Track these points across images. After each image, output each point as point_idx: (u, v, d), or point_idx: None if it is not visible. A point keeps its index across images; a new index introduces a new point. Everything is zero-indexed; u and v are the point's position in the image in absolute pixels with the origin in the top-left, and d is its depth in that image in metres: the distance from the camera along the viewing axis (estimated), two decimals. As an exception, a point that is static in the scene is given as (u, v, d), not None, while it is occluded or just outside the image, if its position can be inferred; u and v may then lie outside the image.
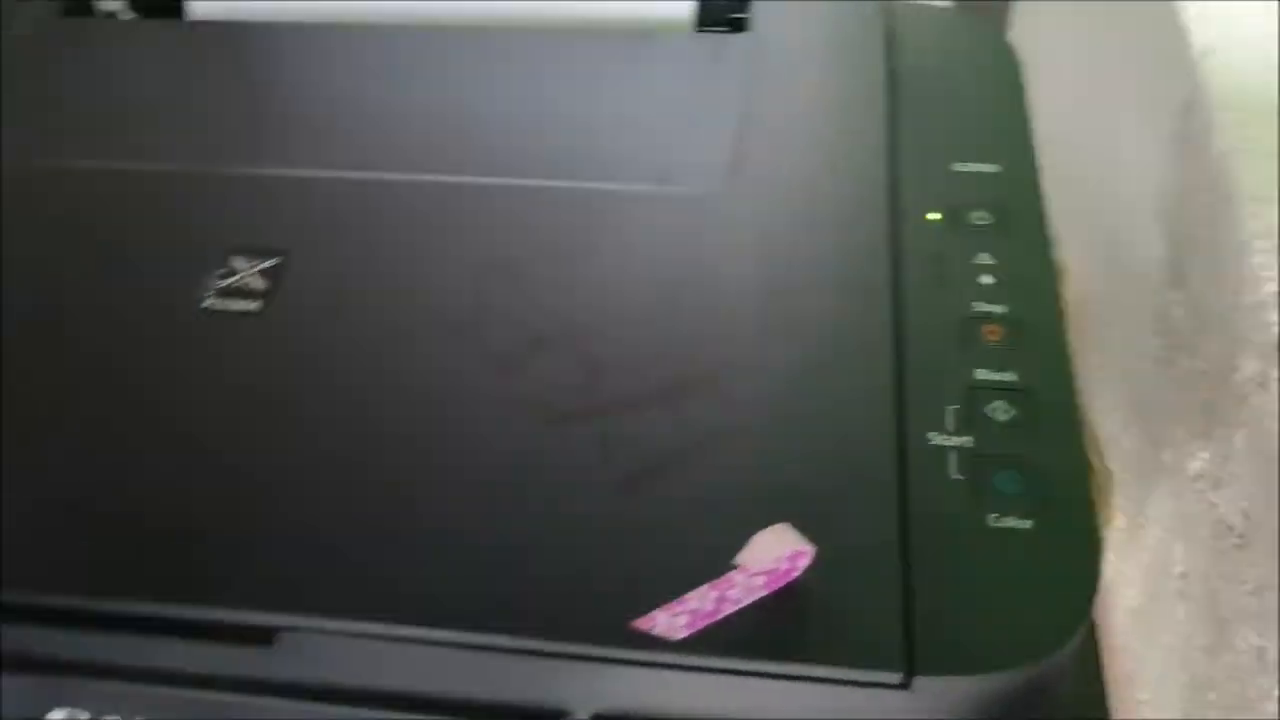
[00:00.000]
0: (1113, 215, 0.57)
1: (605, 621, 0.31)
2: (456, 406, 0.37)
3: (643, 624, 0.32)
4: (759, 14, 0.50)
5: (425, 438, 0.36)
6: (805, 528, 0.32)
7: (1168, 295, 0.48)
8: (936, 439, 0.35)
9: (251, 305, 0.40)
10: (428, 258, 0.41)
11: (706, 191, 0.43)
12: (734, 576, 0.32)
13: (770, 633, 0.31)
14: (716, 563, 0.32)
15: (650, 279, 0.40)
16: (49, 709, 0.37)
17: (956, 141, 0.44)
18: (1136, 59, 0.52)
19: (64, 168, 0.46)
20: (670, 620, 0.32)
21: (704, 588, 0.32)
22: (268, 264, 0.41)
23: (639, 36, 0.50)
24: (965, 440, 0.35)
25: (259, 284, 0.40)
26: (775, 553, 0.32)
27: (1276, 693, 0.37)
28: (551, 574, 0.33)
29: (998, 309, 0.38)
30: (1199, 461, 0.44)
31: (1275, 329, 0.37)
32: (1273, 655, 0.37)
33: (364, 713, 0.34)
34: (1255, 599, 0.38)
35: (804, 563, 0.32)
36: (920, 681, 0.30)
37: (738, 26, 0.51)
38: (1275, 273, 0.38)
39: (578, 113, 0.47)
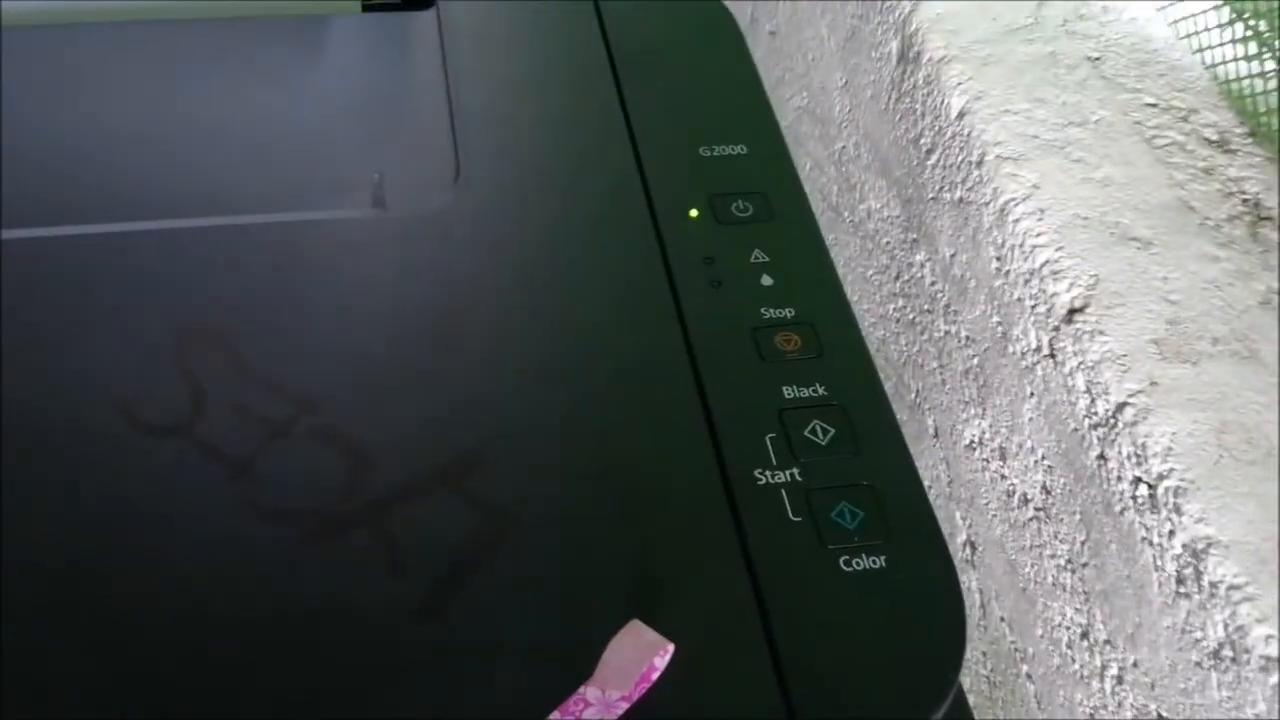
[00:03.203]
0: (825, 171, 0.55)
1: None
2: (182, 547, 0.28)
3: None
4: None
5: (143, 602, 0.28)
6: (650, 616, 0.27)
7: (910, 257, 0.46)
8: (764, 477, 0.31)
9: None
10: (119, 334, 0.32)
11: (434, 209, 0.36)
12: (585, 693, 0.27)
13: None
14: (561, 678, 0.27)
15: (392, 321, 0.33)
16: None
17: (697, 124, 0.39)
18: (841, 6, 0.50)
19: None
20: (522, 769, 0.26)
21: (554, 715, 0.27)
22: None
23: (310, 22, 0.41)
24: (791, 473, 0.31)
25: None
26: (634, 657, 0.27)
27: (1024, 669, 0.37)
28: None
29: (787, 313, 0.35)
30: (974, 429, 0.43)
31: (1058, 299, 0.36)
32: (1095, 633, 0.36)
33: None
34: (1068, 574, 0.38)
35: (665, 659, 0.27)
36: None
37: (419, 3, 0.43)
38: (1047, 239, 0.37)
39: (277, 121, 0.38)
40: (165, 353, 0.32)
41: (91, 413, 0.30)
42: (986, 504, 0.43)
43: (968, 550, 0.45)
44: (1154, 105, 0.41)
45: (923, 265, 0.45)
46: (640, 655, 0.27)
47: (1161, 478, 0.32)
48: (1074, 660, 0.38)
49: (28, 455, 0.30)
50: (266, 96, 0.39)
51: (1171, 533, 0.31)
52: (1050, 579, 0.39)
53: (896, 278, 0.48)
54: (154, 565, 0.28)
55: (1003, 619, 0.43)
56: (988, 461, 0.42)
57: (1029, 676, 0.41)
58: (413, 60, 0.41)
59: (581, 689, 0.27)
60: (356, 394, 0.31)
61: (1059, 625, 0.38)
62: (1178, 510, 0.31)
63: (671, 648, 0.27)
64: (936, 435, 0.46)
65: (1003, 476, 0.41)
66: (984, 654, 0.45)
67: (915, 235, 0.46)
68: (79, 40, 0.40)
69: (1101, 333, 0.34)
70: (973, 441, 0.43)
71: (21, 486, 0.29)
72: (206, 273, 0.33)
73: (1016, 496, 0.40)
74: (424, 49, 0.41)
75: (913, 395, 0.48)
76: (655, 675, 0.27)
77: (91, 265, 0.34)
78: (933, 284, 0.45)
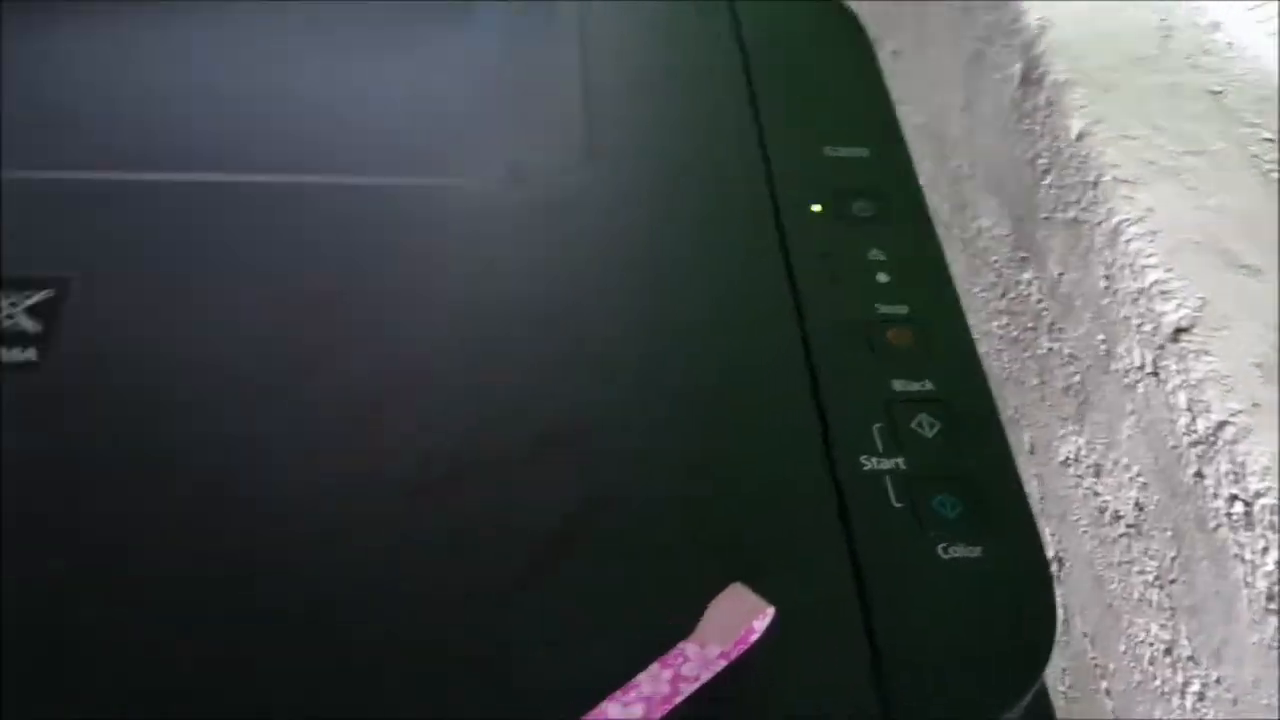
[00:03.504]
0: (938, 189, 0.56)
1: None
2: (293, 486, 0.30)
3: (596, 717, 0.27)
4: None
5: (254, 532, 0.29)
6: (754, 585, 0.29)
7: (1018, 275, 0.47)
8: (869, 464, 0.32)
9: (26, 354, 0.31)
10: (249, 279, 0.34)
11: (564, 186, 0.38)
12: (685, 649, 0.28)
13: (739, 697, 0.28)
14: (660, 637, 0.28)
15: (519, 287, 0.35)
16: None
17: (821, 124, 0.41)
18: (967, 28, 0.51)
19: None
20: (624, 710, 0.27)
21: (654, 667, 0.28)
22: (41, 297, 0.32)
23: (460, 5, 0.44)
24: (896, 462, 0.32)
25: (31, 325, 0.32)
26: (733, 618, 0.28)
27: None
28: (474, 681, 0.28)
29: (900, 310, 0.36)
30: (1070, 446, 0.43)
31: (1165, 318, 0.37)
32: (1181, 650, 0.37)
33: None
34: (1156, 589, 0.38)
35: (763, 624, 0.29)
36: (900, 738, 0.28)
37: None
38: (1157, 260, 0.38)
39: (407, 94, 0.40)
40: (300, 301, 0.34)
41: (235, 351, 0.33)
42: (1077, 520, 0.43)
43: (1055, 566, 0.45)
44: (1272, 140, 0.42)
45: (1030, 283, 0.46)
46: (740, 616, 0.29)
47: (1258, 495, 0.32)
48: (1155, 676, 0.38)
49: (154, 404, 0.31)
50: (416, 70, 0.41)
51: (1265, 549, 0.32)
52: (1137, 595, 0.39)
53: (1003, 295, 0.49)
54: (264, 522, 0.30)
55: (1085, 634, 0.43)
56: (1081, 478, 0.43)
57: (1108, 692, 0.42)
58: (553, 45, 0.43)
59: (681, 644, 0.28)
60: (469, 358, 0.33)
61: (1142, 641, 0.39)
62: (1272, 527, 0.32)
63: (772, 611, 0.29)
64: (1032, 451, 0.47)
65: (1095, 493, 0.42)
66: (1064, 670, 0.45)
67: (1024, 253, 0.46)
68: (244, 11, 0.43)
69: (1206, 352, 0.35)
70: (1068, 458, 0.44)
71: (144, 428, 0.31)
72: (342, 228, 0.35)
73: (1108, 513, 0.41)
74: (564, 36, 0.43)
75: (1011, 410, 0.49)
76: (754, 638, 0.29)
77: (246, 212, 0.36)
78: (1039, 301, 0.45)
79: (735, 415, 0.33)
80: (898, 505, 0.32)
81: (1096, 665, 0.43)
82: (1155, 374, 0.37)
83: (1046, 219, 0.45)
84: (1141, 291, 0.38)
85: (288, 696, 0.27)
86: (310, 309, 0.33)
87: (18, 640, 0.26)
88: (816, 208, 0.38)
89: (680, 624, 0.28)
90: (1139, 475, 0.39)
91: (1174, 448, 0.37)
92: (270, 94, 0.40)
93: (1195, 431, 0.35)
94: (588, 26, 0.43)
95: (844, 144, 0.40)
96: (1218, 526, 0.34)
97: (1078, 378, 0.43)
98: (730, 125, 0.40)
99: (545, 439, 0.31)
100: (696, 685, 0.28)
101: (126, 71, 0.40)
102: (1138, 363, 0.38)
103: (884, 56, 0.64)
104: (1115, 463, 0.40)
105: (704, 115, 0.41)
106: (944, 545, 0.31)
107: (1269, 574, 0.32)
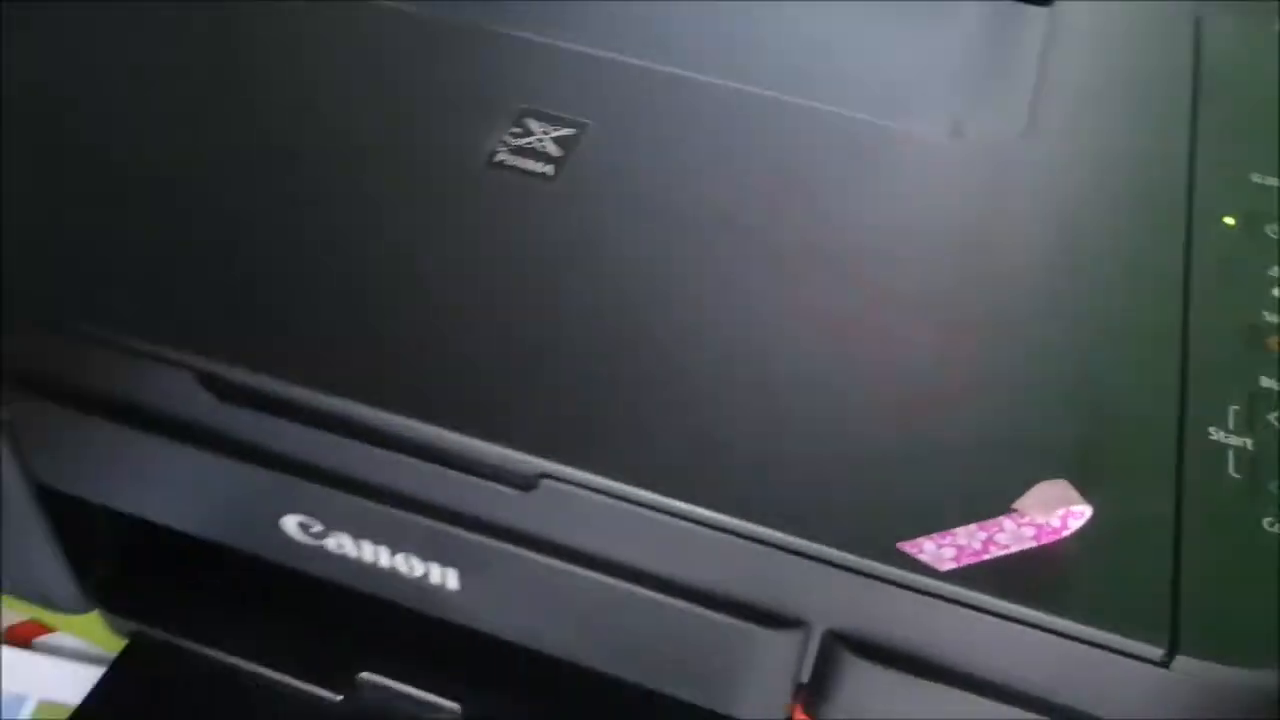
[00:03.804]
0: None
1: (870, 535, 0.32)
2: (735, 301, 0.37)
3: (909, 548, 0.32)
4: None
5: (703, 326, 0.36)
6: (1082, 487, 0.32)
7: None
8: (1216, 435, 0.35)
9: (544, 168, 0.40)
10: (722, 158, 0.41)
11: (997, 149, 0.43)
12: (1003, 521, 0.32)
13: (1035, 582, 0.31)
14: (987, 505, 0.32)
15: (941, 221, 0.40)
16: (284, 513, 0.38)
17: (1257, 153, 0.43)
18: None
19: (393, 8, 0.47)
20: (937, 550, 0.32)
21: (972, 526, 0.32)
22: (565, 132, 0.42)
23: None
24: (1245, 441, 0.35)
25: (553, 149, 0.41)
26: (1053, 506, 0.32)
27: None
28: (818, 479, 0.33)
29: (1283, 322, 0.38)
30: None
31: None
32: None
33: (602, 578, 0.35)
34: None
35: (1078, 522, 0.32)
36: (1181, 661, 0.30)
37: (1038, 1, 0.50)
38: None
39: (877, 52, 0.47)
40: (761, 187, 0.41)
41: (695, 209, 0.40)
42: None
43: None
44: None
45: None
46: (1060, 505, 0.32)
47: None
48: None
49: (633, 225, 0.39)
50: (896, 37, 0.48)
51: None
52: None
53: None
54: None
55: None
56: None
57: None
58: (1017, 40, 0.48)
59: (1001, 518, 0.32)
60: (898, 254, 0.39)
61: None
62: None
63: (1089, 511, 0.32)
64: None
65: None
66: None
67: None
68: None
69: None
70: None
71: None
72: (809, 142, 0.42)
73: None
74: (1030, 34, 0.48)
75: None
76: (1066, 533, 0.32)
77: (724, 111, 0.44)
78: None
79: (1108, 371, 0.36)
80: (1234, 476, 0.34)
81: None
82: None
83: None
84: None
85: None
86: (771, 187, 0.41)
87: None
88: (1229, 220, 0.41)
89: (1004, 492, 0.32)
90: None
91: None
92: (777, 27, 0.48)
93: None
94: (1056, 23, 0.48)
95: (1272, 174, 0.42)
96: None
97: None
98: (1165, 133, 0.43)
99: (967, 323, 0.37)
100: (1004, 553, 0.32)
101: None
102: None
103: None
104: None
105: (1142, 118, 0.44)
106: (1271, 520, 0.33)
107: None
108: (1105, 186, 0.42)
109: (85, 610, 0.47)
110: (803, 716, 0.36)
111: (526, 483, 0.34)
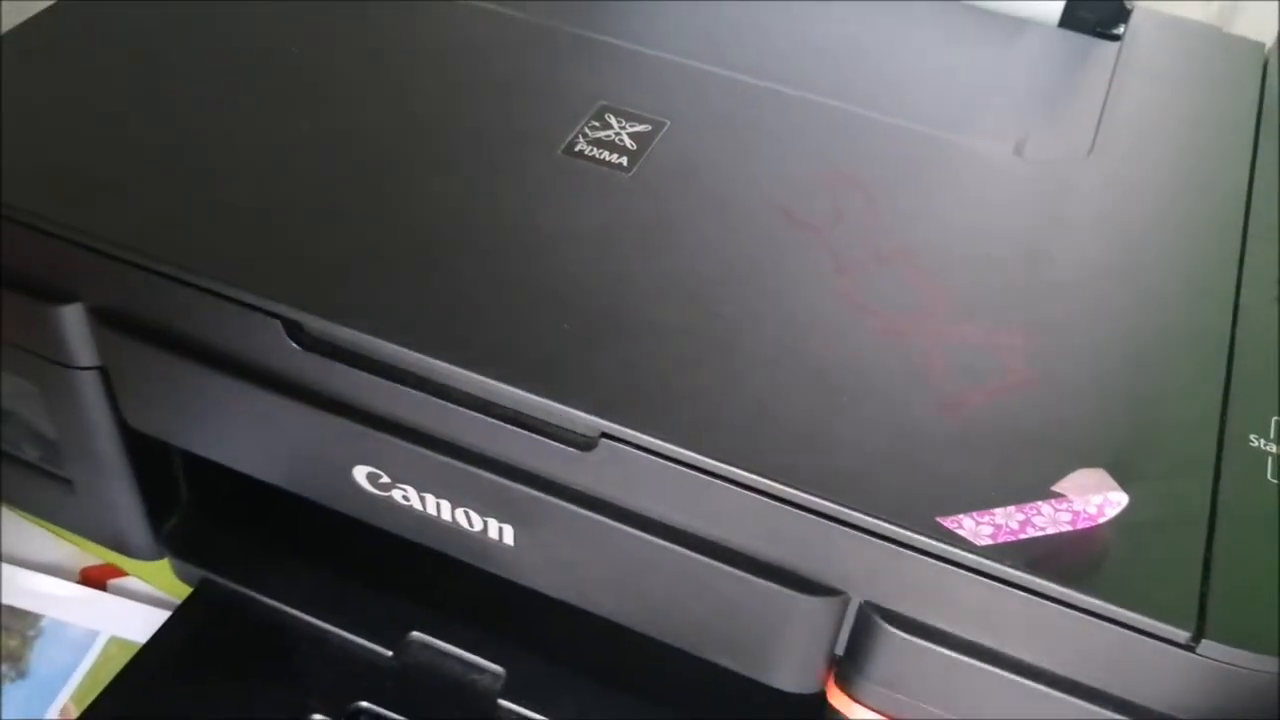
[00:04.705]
0: None
1: (911, 509, 0.33)
2: (795, 290, 0.39)
3: (949, 522, 0.33)
4: (1135, 28, 0.52)
5: (763, 310, 0.38)
6: (1121, 480, 0.33)
7: None
8: (1256, 442, 0.36)
9: (620, 160, 0.43)
10: (789, 162, 0.44)
11: (1060, 170, 0.44)
12: (1041, 505, 0.34)
13: (1069, 562, 0.32)
14: (1029, 493, 0.34)
15: (999, 230, 0.42)
16: (354, 463, 0.40)
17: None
18: None
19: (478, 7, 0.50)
20: (976, 526, 0.33)
21: (1011, 508, 0.34)
22: (640, 128, 0.44)
23: (1011, 21, 0.52)
24: (1284, 450, 0.36)
25: (629, 144, 0.43)
26: (1090, 492, 0.33)
27: None
28: (865, 456, 0.35)
29: (1332, 343, 0.39)
30: None
31: None
32: None
33: (652, 539, 0.36)
34: None
35: (1113, 510, 0.33)
36: (1207, 645, 0.31)
37: (1108, 36, 0.52)
38: None
39: (947, 71, 0.49)
40: (826, 192, 0.43)
41: (765, 210, 0.42)
42: None
43: None
44: None
45: None
46: (1097, 492, 0.33)
47: None
48: None
49: (695, 214, 0.41)
50: (969, 57, 0.50)
51: None
52: None
53: None
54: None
55: None
56: None
57: None
58: (1085, 69, 0.50)
59: (1039, 502, 0.34)
60: (955, 260, 0.41)
61: None
62: None
63: (1125, 500, 0.33)
64: None
65: None
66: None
67: None
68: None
69: None
70: None
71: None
72: (876, 152, 0.45)
73: None
74: (1099, 64, 0.50)
75: None
76: (1102, 519, 0.33)
77: (805, 126, 0.46)
78: None
79: (1157, 377, 0.38)
80: (1272, 480, 0.35)
81: None
82: None
83: None
84: None
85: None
86: (837, 192, 0.42)
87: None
88: (1282, 244, 0.42)
89: (1044, 480, 0.34)
90: None
91: None
92: (851, 42, 0.50)
93: None
94: (1126, 56, 0.50)
95: (1333, 211, 0.44)
96: None
97: None
98: (1225, 162, 0.45)
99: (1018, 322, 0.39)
100: (1040, 535, 0.33)
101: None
102: None
103: None
104: None
105: (1204, 148, 0.46)
106: (1304, 526, 0.34)
107: None
108: (1164, 208, 0.43)
109: (157, 557, 0.50)
110: (837, 688, 0.38)
111: (587, 442, 0.36)
